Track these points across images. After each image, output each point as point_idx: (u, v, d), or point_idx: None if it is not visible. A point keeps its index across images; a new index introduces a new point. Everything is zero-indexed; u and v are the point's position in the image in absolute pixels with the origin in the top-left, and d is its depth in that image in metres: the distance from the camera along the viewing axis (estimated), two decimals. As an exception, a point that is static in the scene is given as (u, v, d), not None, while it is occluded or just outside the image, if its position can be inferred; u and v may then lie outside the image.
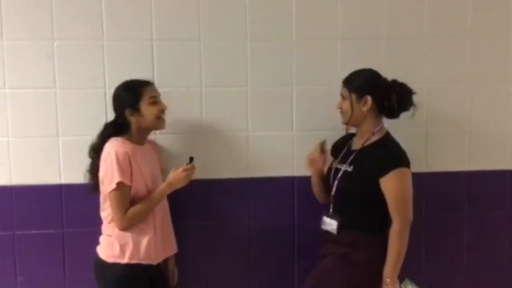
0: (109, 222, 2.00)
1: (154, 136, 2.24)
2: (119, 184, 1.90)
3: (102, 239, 2.04)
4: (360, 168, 1.98)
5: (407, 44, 2.38)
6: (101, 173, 1.96)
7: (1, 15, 2.20)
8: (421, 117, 2.30)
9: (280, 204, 2.39)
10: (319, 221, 2.09)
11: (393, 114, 2.03)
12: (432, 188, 2.43)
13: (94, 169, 2.02)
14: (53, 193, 2.26)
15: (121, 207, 1.93)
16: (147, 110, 2.00)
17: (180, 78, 2.29)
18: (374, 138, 2.02)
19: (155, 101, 2.03)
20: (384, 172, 1.92)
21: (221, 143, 2.34)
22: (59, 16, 2.22)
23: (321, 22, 2.33)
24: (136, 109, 2.00)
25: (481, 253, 2.50)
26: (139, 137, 2.05)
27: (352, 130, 2.14)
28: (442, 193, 2.45)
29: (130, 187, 1.95)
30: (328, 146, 2.19)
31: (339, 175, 2.02)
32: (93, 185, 2.04)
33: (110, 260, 1.97)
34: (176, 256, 2.20)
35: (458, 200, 2.47)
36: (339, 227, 2.00)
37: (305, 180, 2.24)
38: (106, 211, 1.99)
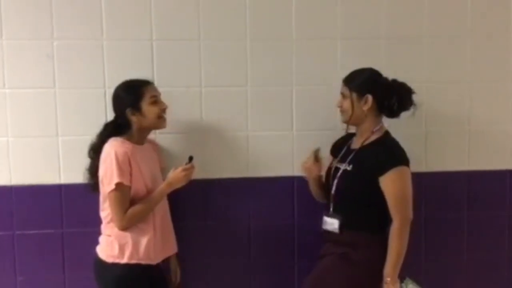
0: (108, 222, 2.00)
1: (153, 135, 2.24)
2: (119, 185, 1.90)
3: (101, 239, 2.04)
4: (360, 167, 1.98)
5: (407, 44, 2.38)
6: (101, 173, 1.95)
7: (1, 15, 2.20)
8: (421, 117, 2.30)
9: (280, 204, 2.39)
10: (319, 221, 2.09)
11: (393, 113, 2.03)
12: (432, 188, 2.42)
13: (93, 169, 2.02)
14: (53, 193, 2.26)
15: (121, 207, 1.92)
16: (148, 110, 2.00)
17: (180, 78, 2.29)
18: (374, 137, 2.02)
19: (156, 100, 2.03)
20: (383, 170, 1.91)
21: (220, 143, 2.34)
22: (59, 16, 2.22)
23: (321, 22, 2.33)
24: (137, 108, 1.99)
25: (481, 253, 2.49)
26: (139, 137, 2.05)
27: (352, 129, 2.14)
28: (442, 193, 2.45)
29: (129, 187, 1.94)
30: (323, 154, 2.17)
31: (339, 174, 2.02)
32: (93, 185, 2.04)
33: (109, 260, 1.97)
34: (177, 256, 2.20)
35: (458, 200, 2.47)
36: (341, 226, 2.00)
37: (305, 180, 2.23)
38: (106, 211, 1.99)
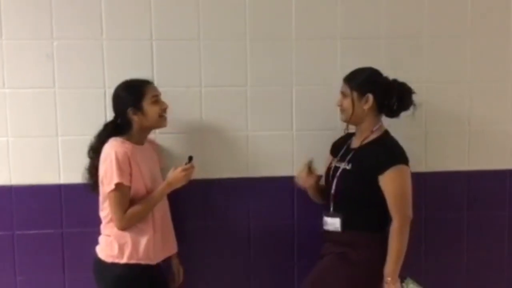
0: (108, 222, 1.99)
1: (153, 135, 2.24)
2: (118, 185, 1.90)
3: (101, 239, 2.04)
4: (359, 166, 1.98)
5: (407, 44, 2.38)
6: (101, 174, 1.95)
7: (1, 15, 2.19)
8: (421, 117, 2.30)
9: (279, 204, 2.39)
10: (319, 221, 2.09)
11: (393, 113, 2.03)
12: (432, 188, 2.42)
13: (93, 169, 2.02)
14: (53, 193, 2.26)
15: (120, 207, 1.92)
16: (150, 109, 2.00)
17: (179, 78, 2.29)
18: (373, 136, 2.02)
19: (157, 100, 2.03)
20: (382, 169, 1.91)
21: (220, 143, 2.34)
22: (58, 16, 2.22)
23: (321, 22, 2.33)
24: (138, 108, 1.99)
25: (481, 253, 2.49)
26: (140, 137, 2.05)
27: (351, 129, 2.14)
28: (442, 193, 2.45)
29: (129, 187, 1.94)
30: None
31: (338, 173, 2.02)
32: (92, 185, 2.04)
33: (109, 260, 1.97)
34: (178, 255, 2.20)
35: (458, 200, 2.47)
36: (343, 224, 1.99)
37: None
38: (105, 211, 1.99)
